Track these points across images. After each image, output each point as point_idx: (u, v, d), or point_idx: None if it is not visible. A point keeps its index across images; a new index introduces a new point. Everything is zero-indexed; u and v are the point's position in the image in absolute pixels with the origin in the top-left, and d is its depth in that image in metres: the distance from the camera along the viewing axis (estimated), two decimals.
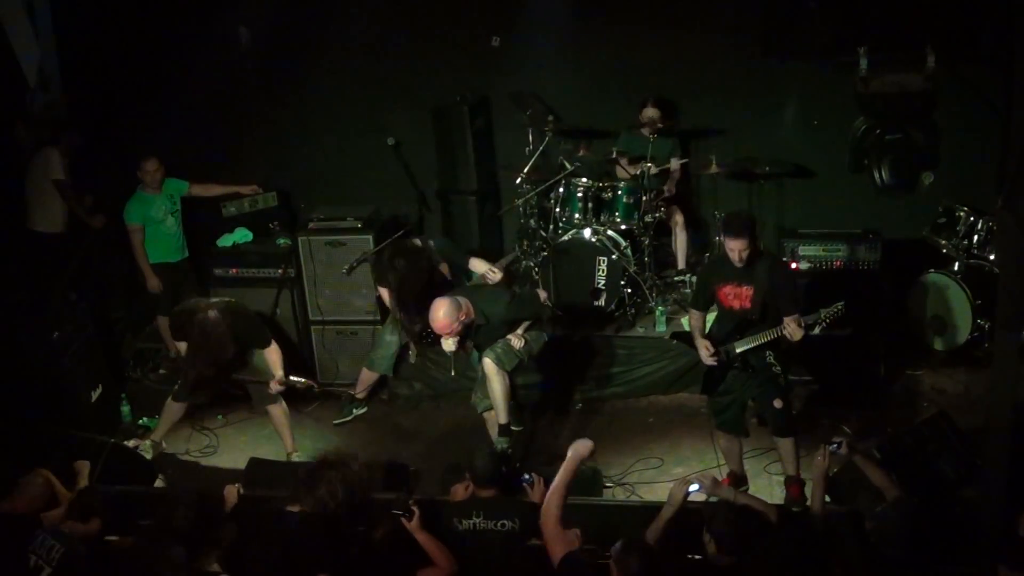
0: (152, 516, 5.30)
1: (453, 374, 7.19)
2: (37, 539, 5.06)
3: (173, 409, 7.11)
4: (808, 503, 5.88)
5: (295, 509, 5.04)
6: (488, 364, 6.50)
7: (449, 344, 6.45)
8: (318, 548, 4.90)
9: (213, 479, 6.83)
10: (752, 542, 4.73)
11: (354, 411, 7.68)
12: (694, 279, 7.48)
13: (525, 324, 6.57)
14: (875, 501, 5.12)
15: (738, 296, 5.94)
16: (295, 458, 6.94)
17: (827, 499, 5.41)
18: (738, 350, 5.97)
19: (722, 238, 5.92)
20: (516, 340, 6.51)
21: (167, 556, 4.85)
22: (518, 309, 6.58)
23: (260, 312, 7.53)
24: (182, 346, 6.74)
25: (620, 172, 8.12)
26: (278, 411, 7.01)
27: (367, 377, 7.62)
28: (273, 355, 6.74)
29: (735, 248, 5.80)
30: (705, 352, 6.03)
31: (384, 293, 7.27)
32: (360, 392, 7.65)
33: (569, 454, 5.09)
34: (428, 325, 6.43)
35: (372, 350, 7.63)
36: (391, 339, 7.44)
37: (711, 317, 6.26)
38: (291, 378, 6.73)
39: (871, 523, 4.84)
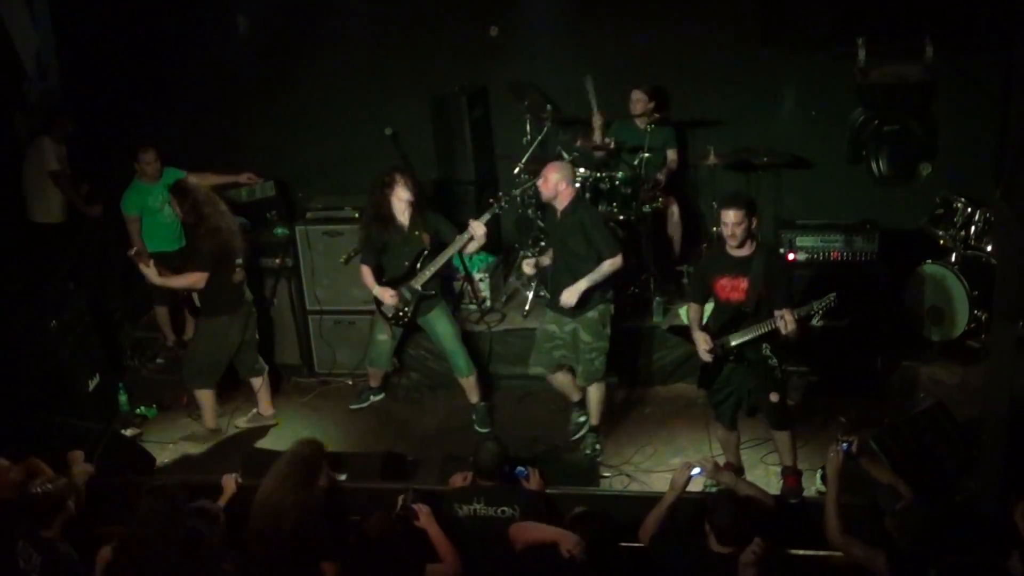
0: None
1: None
2: (18, 546, 4.95)
3: (205, 395, 7.31)
4: (805, 494, 5.94)
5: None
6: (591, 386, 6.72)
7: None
8: (320, 535, 4.91)
9: (211, 468, 6.83)
10: (752, 533, 4.75)
11: (371, 398, 7.71)
12: (691, 269, 7.49)
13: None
14: (894, 497, 5.11)
15: (735, 288, 5.85)
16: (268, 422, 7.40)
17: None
18: (733, 343, 5.89)
19: (719, 214, 5.82)
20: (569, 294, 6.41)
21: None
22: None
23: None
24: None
25: (595, 136, 8.02)
26: (259, 381, 7.41)
27: (373, 372, 7.62)
28: None
29: (729, 220, 5.69)
30: (703, 346, 5.96)
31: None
32: (374, 382, 7.68)
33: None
34: None
35: (368, 347, 7.55)
36: (383, 338, 7.31)
37: (708, 310, 6.22)
38: None
39: (891, 519, 4.81)
